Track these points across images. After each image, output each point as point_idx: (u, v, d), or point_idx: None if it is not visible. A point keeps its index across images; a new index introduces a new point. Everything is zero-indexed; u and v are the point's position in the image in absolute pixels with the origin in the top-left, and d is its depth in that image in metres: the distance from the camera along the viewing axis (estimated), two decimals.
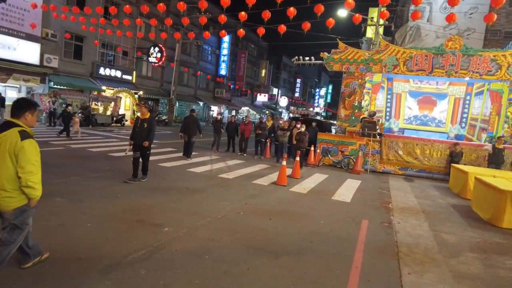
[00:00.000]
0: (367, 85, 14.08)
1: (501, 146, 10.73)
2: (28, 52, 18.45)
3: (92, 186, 6.65)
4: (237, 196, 7.02)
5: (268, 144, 13.95)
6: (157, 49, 26.60)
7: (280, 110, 55.06)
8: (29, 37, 18.42)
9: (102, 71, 23.74)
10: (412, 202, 8.02)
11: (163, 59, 26.80)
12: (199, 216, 5.51)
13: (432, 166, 11.98)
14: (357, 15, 10.55)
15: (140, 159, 7.57)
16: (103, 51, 24.30)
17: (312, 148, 12.78)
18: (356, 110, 12.95)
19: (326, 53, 13.05)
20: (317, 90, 75.96)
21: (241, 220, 5.54)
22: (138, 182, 7.36)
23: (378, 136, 12.46)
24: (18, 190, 2.97)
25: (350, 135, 12.87)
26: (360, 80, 12.89)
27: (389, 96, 15.91)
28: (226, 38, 36.83)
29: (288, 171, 10.02)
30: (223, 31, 13.82)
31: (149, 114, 7.45)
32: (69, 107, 14.85)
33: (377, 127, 12.51)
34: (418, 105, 15.75)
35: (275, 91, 55.23)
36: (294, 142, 11.71)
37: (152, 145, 7.78)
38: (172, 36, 26.53)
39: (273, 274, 3.80)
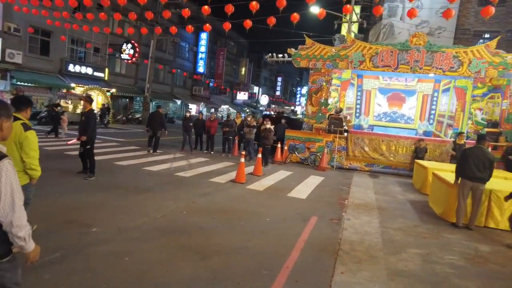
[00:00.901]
0: (336, 82, 14.02)
1: (462, 142, 10.81)
2: None
3: None
4: (186, 194, 6.75)
5: (237, 141, 13.72)
6: (129, 45, 25.95)
7: (261, 108, 54.90)
8: None
9: (71, 67, 22.97)
10: (369, 198, 7.94)
11: (136, 56, 26.17)
12: (136, 215, 5.22)
13: (397, 162, 12.01)
14: (321, 10, 10.41)
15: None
16: (73, 47, 23.51)
17: (279, 145, 12.63)
18: (323, 107, 12.87)
19: (293, 49, 12.91)
20: (299, 88, 76.15)
21: (181, 220, 5.28)
22: (84, 180, 7.03)
23: (344, 133, 12.40)
24: (22, 172, 3.51)
25: (317, 132, 12.77)
26: (326, 77, 12.81)
27: (359, 93, 15.92)
28: (204, 35, 36.36)
29: (251, 169, 9.89)
30: (190, 26, 13.44)
31: (90, 107, 7.19)
32: (59, 107, 14.91)
33: (344, 123, 12.45)
34: (388, 102, 15.80)
35: (255, 89, 55.02)
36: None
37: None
38: (147, 32, 26.02)
39: (194, 276, 3.57)
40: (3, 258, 1.90)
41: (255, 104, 54.03)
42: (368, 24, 23.67)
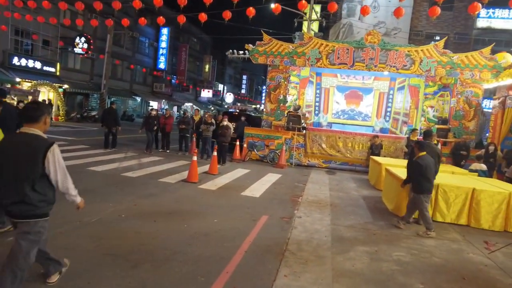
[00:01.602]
0: (295, 79, 13.96)
1: (415, 138, 11.10)
2: None
3: None
4: (129, 196, 6.27)
5: (194, 139, 13.24)
6: (83, 39, 24.50)
7: (226, 106, 54.34)
8: None
9: (16, 61, 21.24)
10: (323, 195, 7.87)
11: (90, 50, 24.76)
12: (66, 220, 4.71)
13: (354, 158, 12.15)
14: (276, 5, 10.25)
15: None
16: (17, 39, 21.76)
17: (238, 143, 12.35)
18: (282, 104, 12.76)
19: (251, 45, 12.67)
20: (264, 87, 76.41)
21: (117, 224, 4.84)
22: None
23: (302, 130, 12.36)
24: None
25: (276, 129, 12.65)
26: (284, 74, 12.70)
27: (318, 91, 16.00)
28: (165, 30, 35.22)
29: (208, 167, 9.53)
30: (143, 18, 12.83)
31: None
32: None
33: (302, 120, 12.41)
34: (346, 100, 16.01)
35: (220, 87, 54.37)
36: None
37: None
38: (102, 25, 24.68)
39: (121, 286, 3.19)
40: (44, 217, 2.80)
41: (220, 102, 53.38)
42: (328, 22, 23.99)
